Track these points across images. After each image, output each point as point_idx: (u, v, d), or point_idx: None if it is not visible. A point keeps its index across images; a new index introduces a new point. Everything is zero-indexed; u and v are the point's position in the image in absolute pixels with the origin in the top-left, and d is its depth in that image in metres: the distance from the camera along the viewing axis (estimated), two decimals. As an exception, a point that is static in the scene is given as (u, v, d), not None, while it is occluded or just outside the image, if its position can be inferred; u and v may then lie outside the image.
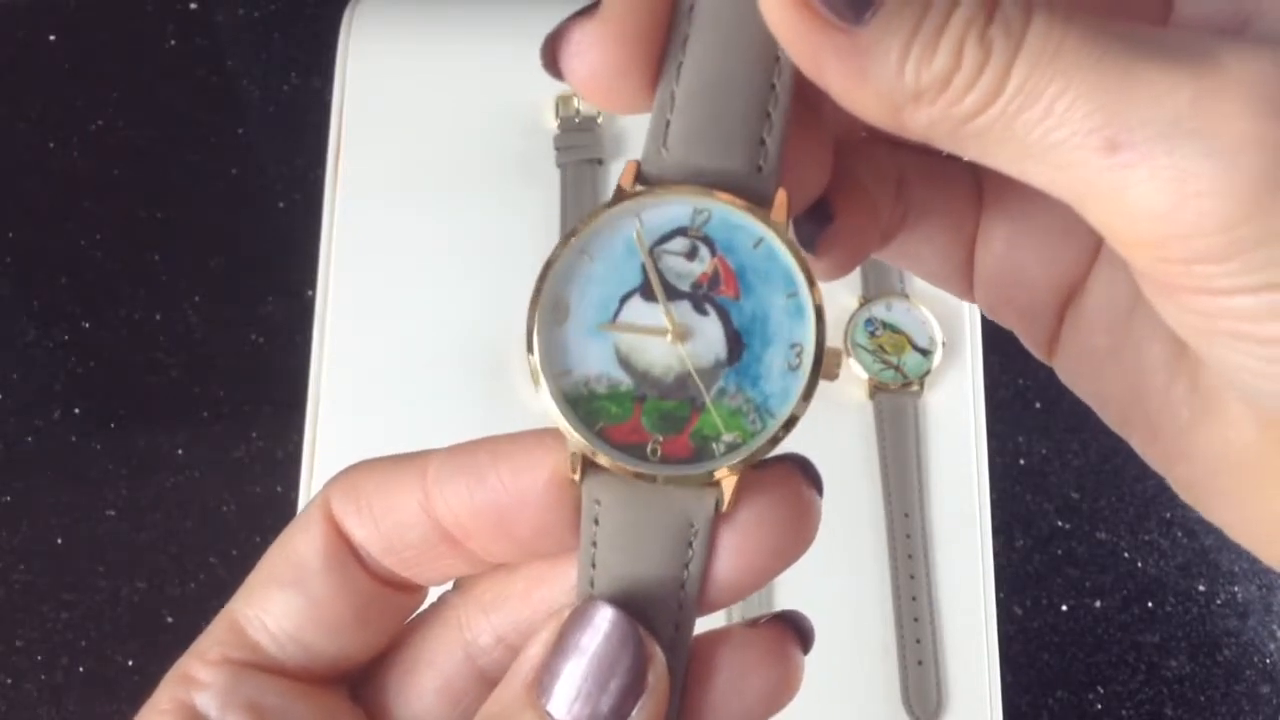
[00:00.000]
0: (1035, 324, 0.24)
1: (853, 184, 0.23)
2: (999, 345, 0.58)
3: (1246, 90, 0.17)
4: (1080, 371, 0.24)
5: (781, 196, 0.20)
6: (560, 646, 0.20)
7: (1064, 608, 0.56)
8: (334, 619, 0.22)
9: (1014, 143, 0.18)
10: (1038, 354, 0.25)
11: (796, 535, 0.22)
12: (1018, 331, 0.25)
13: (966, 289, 0.25)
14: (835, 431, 0.53)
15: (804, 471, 0.22)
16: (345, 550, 0.22)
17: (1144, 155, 0.17)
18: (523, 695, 0.20)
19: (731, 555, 0.21)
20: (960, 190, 0.24)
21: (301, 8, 0.67)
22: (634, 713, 0.20)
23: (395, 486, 0.22)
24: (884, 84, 0.18)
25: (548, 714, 0.20)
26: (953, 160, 0.19)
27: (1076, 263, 0.23)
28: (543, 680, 0.20)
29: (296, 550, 0.22)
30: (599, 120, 0.56)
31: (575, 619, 0.21)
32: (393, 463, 0.22)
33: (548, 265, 0.21)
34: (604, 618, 0.20)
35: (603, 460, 0.21)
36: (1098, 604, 0.56)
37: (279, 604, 0.22)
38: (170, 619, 0.57)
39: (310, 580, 0.22)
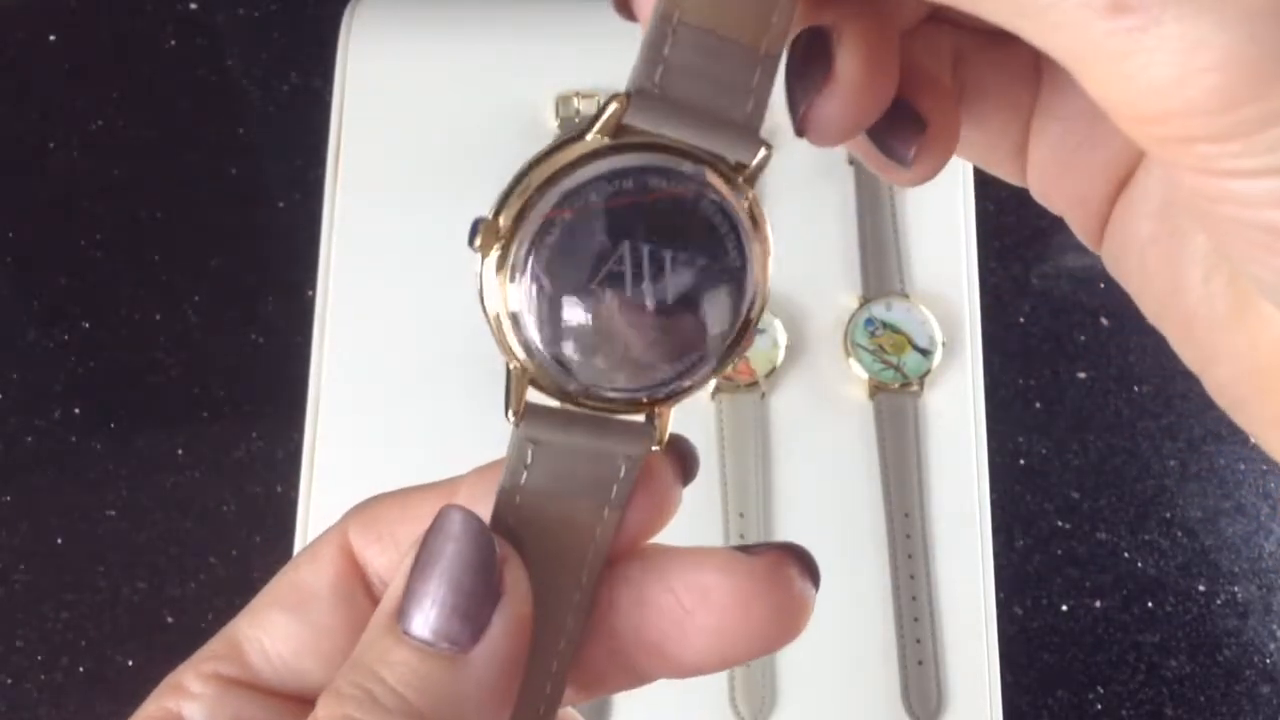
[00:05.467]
0: (1087, 211, 0.23)
1: (928, 80, 0.22)
2: (999, 345, 0.58)
3: None
4: (1124, 260, 0.23)
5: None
6: (418, 567, 0.20)
7: (1064, 608, 0.56)
8: (332, 649, 0.22)
9: None
10: (1086, 241, 0.24)
11: (781, 627, 0.21)
12: (1068, 218, 0.24)
13: (1019, 173, 0.24)
14: (835, 431, 0.53)
15: (800, 560, 0.21)
16: (355, 581, 0.22)
17: (1152, 20, 0.15)
18: (384, 623, 0.20)
19: (705, 635, 0.21)
20: (1018, 72, 0.23)
21: (301, 8, 0.67)
22: (495, 619, 0.20)
23: (421, 511, 0.22)
24: None
25: (407, 635, 0.19)
26: (1013, 40, 0.17)
27: (1131, 148, 0.22)
28: (404, 605, 0.20)
29: (305, 577, 0.22)
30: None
31: (430, 533, 0.20)
32: (416, 491, 0.22)
33: None
34: (453, 521, 0.20)
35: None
36: (1098, 604, 0.56)
37: (280, 628, 0.22)
38: (170, 619, 0.57)
39: (315, 608, 0.22)
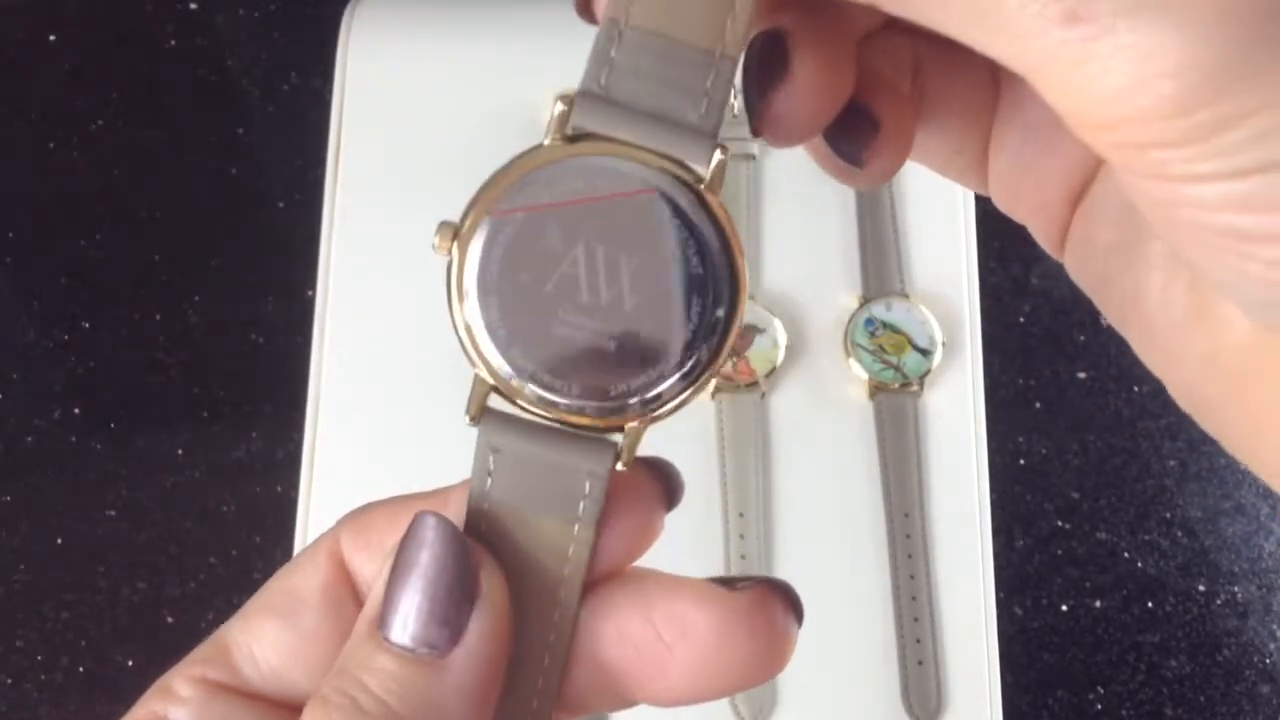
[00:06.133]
0: (1048, 218, 0.24)
1: (883, 83, 0.22)
2: (999, 345, 0.58)
3: None
4: (1086, 266, 0.23)
5: None
6: (395, 574, 0.20)
7: (1064, 608, 0.56)
8: (320, 656, 0.22)
9: (966, 8, 0.17)
10: (1049, 249, 0.24)
11: (762, 665, 0.21)
12: (1030, 226, 0.24)
13: (980, 182, 0.24)
14: (835, 431, 0.53)
15: (784, 597, 0.21)
16: (344, 589, 0.22)
17: (1105, 29, 0.16)
18: (366, 631, 0.20)
19: (685, 669, 0.21)
20: (977, 81, 0.23)
21: (301, 8, 0.67)
22: (472, 623, 0.20)
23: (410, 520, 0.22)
24: None
25: (387, 642, 0.20)
26: (970, 50, 0.18)
27: (1089, 155, 0.22)
28: (384, 613, 0.20)
29: (295, 584, 0.22)
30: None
31: (405, 540, 0.20)
32: (406, 499, 0.22)
33: None
34: (427, 527, 0.20)
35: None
36: (1098, 604, 0.56)
37: (268, 634, 0.22)
38: (170, 619, 0.57)
39: (303, 615, 0.22)
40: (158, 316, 0.62)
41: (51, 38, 0.67)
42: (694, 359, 0.20)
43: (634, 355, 0.20)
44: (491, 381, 0.20)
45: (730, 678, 0.21)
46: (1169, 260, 0.21)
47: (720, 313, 0.20)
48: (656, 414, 0.21)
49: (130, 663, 0.56)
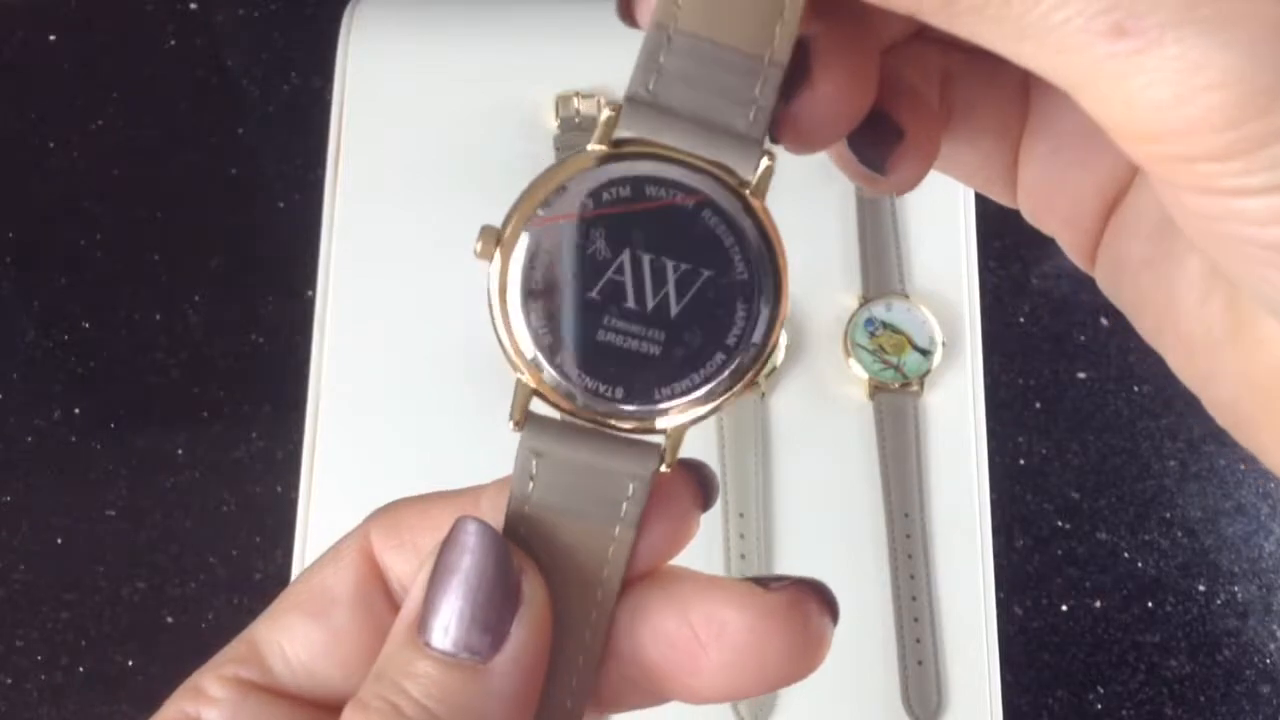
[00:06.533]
0: (1078, 231, 0.23)
1: (909, 91, 0.22)
2: (999, 345, 0.58)
3: None
4: (1119, 280, 0.23)
5: None
6: (435, 578, 0.20)
7: (1064, 608, 0.56)
8: (351, 655, 0.22)
9: (1010, 22, 0.17)
10: (1079, 262, 0.24)
11: (797, 664, 0.21)
12: (1059, 239, 0.24)
13: (1009, 194, 0.24)
14: (835, 431, 0.53)
15: (819, 596, 0.21)
16: (376, 586, 0.22)
17: (1152, 42, 0.16)
18: (405, 635, 0.20)
19: (720, 669, 0.21)
20: (1007, 92, 0.23)
21: (301, 8, 0.67)
22: (514, 629, 0.20)
23: (443, 519, 0.21)
24: None
25: (428, 647, 0.20)
26: (1001, 61, 0.18)
27: (1122, 167, 0.22)
28: (424, 617, 0.20)
29: (326, 581, 0.22)
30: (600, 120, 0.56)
31: (446, 545, 0.20)
32: (438, 497, 0.22)
33: None
34: (469, 533, 0.20)
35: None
36: (1098, 604, 0.56)
37: (299, 632, 0.22)
38: (170, 619, 0.57)
39: (334, 613, 0.22)
40: (158, 316, 0.62)
41: (51, 38, 0.67)
42: (737, 363, 0.20)
43: (679, 360, 0.20)
44: (535, 387, 0.20)
45: (765, 676, 0.21)
46: (1206, 276, 0.21)
47: (764, 318, 0.20)
48: (700, 416, 0.21)
49: (130, 663, 0.56)
